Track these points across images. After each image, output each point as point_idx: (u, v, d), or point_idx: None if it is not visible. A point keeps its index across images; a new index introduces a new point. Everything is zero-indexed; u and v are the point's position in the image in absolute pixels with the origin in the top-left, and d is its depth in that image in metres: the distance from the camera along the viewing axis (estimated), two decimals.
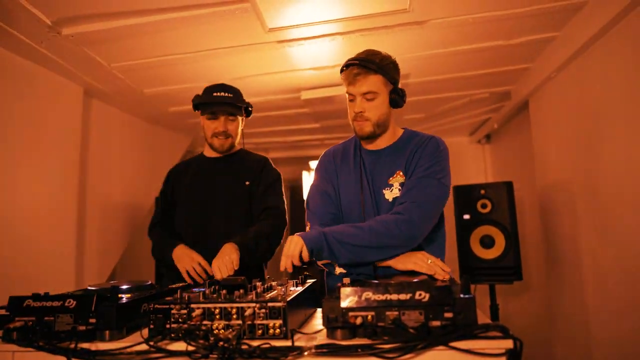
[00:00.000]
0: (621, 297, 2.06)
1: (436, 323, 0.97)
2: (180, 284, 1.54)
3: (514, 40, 2.36)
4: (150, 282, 1.50)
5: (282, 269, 1.32)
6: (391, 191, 1.49)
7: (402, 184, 1.47)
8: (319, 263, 1.48)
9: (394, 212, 1.40)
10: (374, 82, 1.44)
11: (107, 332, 1.12)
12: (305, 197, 3.25)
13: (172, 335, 1.08)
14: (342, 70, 1.50)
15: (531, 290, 3.39)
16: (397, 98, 1.50)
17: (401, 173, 1.49)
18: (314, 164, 3.28)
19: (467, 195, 2.79)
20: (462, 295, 0.98)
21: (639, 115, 1.85)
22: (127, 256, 3.31)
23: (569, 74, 2.46)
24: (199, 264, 1.74)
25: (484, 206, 2.77)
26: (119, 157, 3.12)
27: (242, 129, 1.98)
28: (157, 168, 3.60)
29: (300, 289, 1.28)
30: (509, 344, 0.94)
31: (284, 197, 1.99)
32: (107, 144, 2.99)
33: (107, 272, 2.97)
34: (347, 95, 1.50)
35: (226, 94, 1.85)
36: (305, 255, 1.33)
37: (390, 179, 1.50)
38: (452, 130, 4.32)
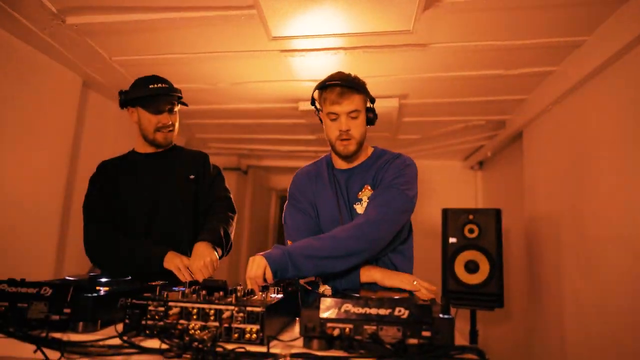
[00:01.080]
0: (601, 334, 2.07)
1: (413, 341, 0.97)
2: (161, 282, 1.52)
3: (513, 71, 2.41)
4: (130, 277, 1.48)
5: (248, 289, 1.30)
6: (362, 205, 1.52)
7: (369, 198, 1.50)
8: (302, 282, 1.47)
9: (355, 219, 1.43)
10: (358, 101, 1.47)
11: (81, 323, 1.10)
12: None
13: (147, 332, 1.07)
14: (321, 89, 1.50)
15: (511, 318, 3.40)
16: (372, 116, 1.54)
17: (369, 187, 1.53)
18: None
19: (455, 219, 2.80)
20: (441, 315, 0.98)
21: (629, 155, 1.89)
22: None
23: (564, 109, 2.51)
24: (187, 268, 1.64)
25: (471, 231, 2.78)
26: (112, 151, 3.09)
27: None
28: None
29: (281, 296, 1.28)
30: None
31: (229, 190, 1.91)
32: (100, 137, 2.98)
33: (88, 265, 2.92)
34: (327, 115, 1.49)
35: (164, 85, 1.73)
36: (269, 277, 1.30)
37: (360, 193, 1.54)
38: (447, 154, 4.36)
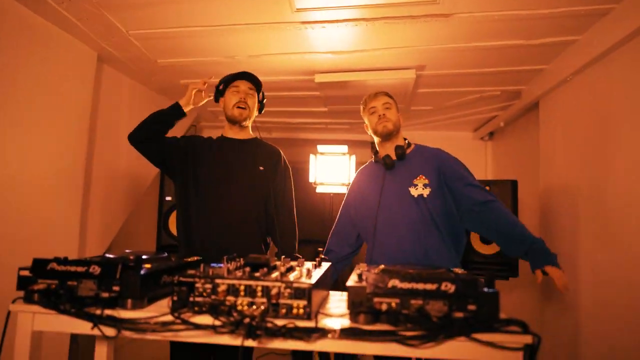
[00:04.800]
0: (616, 305, 2.11)
1: (459, 314, 1.00)
2: (195, 258, 1.56)
3: (534, 40, 2.36)
4: (166, 254, 1.51)
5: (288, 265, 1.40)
6: (416, 189, 1.86)
7: (425, 185, 1.86)
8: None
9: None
10: (387, 99, 2.05)
11: (130, 300, 1.14)
12: (311, 179, 3.26)
13: (196, 308, 1.10)
14: (364, 102, 2.07)
15: (526, 287, 3.47)
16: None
17: (424, 177, 1.88)
18: (322, 147, 3.28)
19: None
20: (486, 289, 1.01)
21: None
22: (126, 228, 3.31)
23: (586, 79, 2.47)
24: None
25: None
26: (126, 126, 3.09)
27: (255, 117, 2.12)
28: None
29: (319, 270, 1.31)
30: (527, 339, 0.97)
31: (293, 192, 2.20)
32: (115, 112, 2.96)
33: (107, 242, 2.97)
34: (369, 113, 2.03)
35: (246, 75, 2.05)
36: None
37: (415, 180, 1.89)
38: (457, 125, 4.34)
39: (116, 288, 1.14)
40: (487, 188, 2.78)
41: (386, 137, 1.95)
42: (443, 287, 1.00)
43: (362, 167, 2.14)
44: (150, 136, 1.95)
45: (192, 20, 2.18)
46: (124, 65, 2.80)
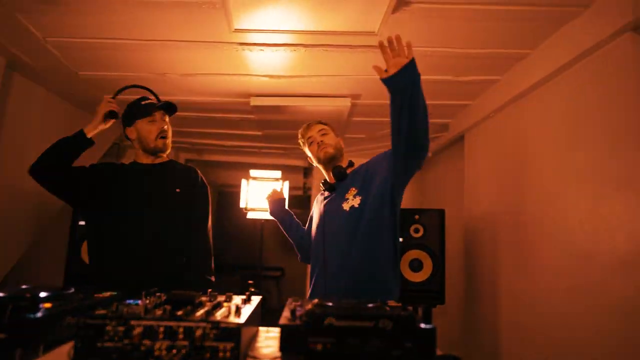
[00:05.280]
0: (532, 328, 2.22)
1: (396, 352, 0.96)
2: (108, 294, 1.38)
3: (462, 77, 2.50)
4: (73, 290, 1.33)
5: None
6: (347, 203, 1.85)
7: (354, 195, 1.85)
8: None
9: None
10: (322, 126, 2.04)
11: (20, 350, 0.96)
12: (241, 204, 3.14)
13: (105, 355, 0.95)
14: (301, 135, 2.07)
15: (449, 314, 3.57)
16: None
17: (354, 189, 1.87)
18: (254, 172, 3.18)
19: (402, 219, 2.87)
20: (423, 326, 0.98)
21: (563, 164, 2.04)
22: (28, 256, 2.94)
23: (506, 116, 2.66)
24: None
25: (416, 231, 2.87)
26: (38, 140, 2.77)
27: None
28: (80, 158, 3.28)
29: (249, 306, 1.21)
30: None
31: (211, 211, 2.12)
32: (26, 125, 2.65)
33: (2, 272, 2.61)
34: (309, 144, 2.03)
35: (155, 101, 1.96)
36: None
37: (346, 195, 1.88)
38: None
39: (1, 336, 0.96)
40: (417, 217, 2.87)
41: (329, 162, 1.95)
42: (381, 325, 0.96)
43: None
44: (51, 168, 1.79)
45: (119, 32, 2.03)
46: (39, 75, 2.54)
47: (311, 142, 1.98)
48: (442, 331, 3.44)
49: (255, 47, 2.11)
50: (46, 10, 1.85)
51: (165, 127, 1.93)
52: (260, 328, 1.38)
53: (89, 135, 1.83)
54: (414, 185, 4.75)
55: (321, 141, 1.94)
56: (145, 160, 1.96)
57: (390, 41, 1.51)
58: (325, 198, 1.97)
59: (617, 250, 1.68)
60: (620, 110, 1.70)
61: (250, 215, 3.16)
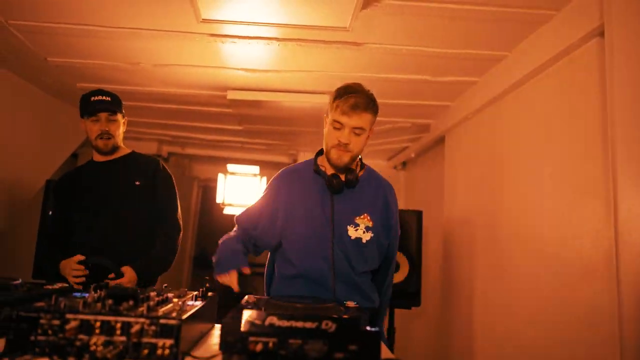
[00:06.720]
0: (504, 330, 2.22)
1: (339, 355, 0.93)
2: (59, 285, 1.35)
3: (439, 77, 2.49)
4: (20, 281, 1.29)
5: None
6: (355, 230, 1.56)
7: (367, 227, 1.56)
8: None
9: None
10: (366, 119, 1.50)
11: None
12: (218, 199, 3.10)
13: (37, 349, 0.92)
14: (338, 96, 1.50)
15: (426, 316, 3.57)
16: (369, 136, 1.57)
17: (368, 217, 1.58)
18: (232, 167, 3.14)
19: None
20: (368, 328, 0.96)
21: (538, 167, 2.03)
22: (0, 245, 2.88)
23: (483, 118, 2.65)
24: (77, 263, 1.78)
25: None
26: (9, 128, 2.72)
27: (124, 131, 2.03)
28: (55, 147, 3.21)
29: (199, 303, 1.18)
30: None
31: (178, 199, 2.07)
32: None
33: None
34: (332, 122, 1.51)
35: (104, 97, 1.92)
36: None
37: (357, 218, 1.57)
38: (371, 154, 4.45)
39: None
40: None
41: (338, 169, 1.57)
42: (323, 326, 0.93)
43: (289, 170, 1.70)
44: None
45: (85, 18, 1.97)
46: (6, 60, 2.47)
47: (337, 128, 1.49)
48: (418, 333, 3.45)
49: (226, 38, 2.07)
50: None
51: (108, 127, 1.91)
52: (217, 325, 1.34)
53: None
54: (395, 185, 4.74)
55: (346, 143, 1.49)
56: (101, 157, 1.98)
57: None
58: (327, 194, 1.59)
59: (583, 257, 1.68)
60: (588, 115, 1.70)
61: (227, 210, 3.13)
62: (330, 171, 1.59)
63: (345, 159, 1.52)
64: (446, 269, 3.13)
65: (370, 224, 1.56)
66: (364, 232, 1.55)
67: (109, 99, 1.93)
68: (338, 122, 1.48)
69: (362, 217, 1.57)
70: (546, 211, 1.94)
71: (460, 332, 2.76)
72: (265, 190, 1.69)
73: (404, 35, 2.02)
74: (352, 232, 1.55)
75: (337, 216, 1.56)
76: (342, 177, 1.57)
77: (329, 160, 1.56)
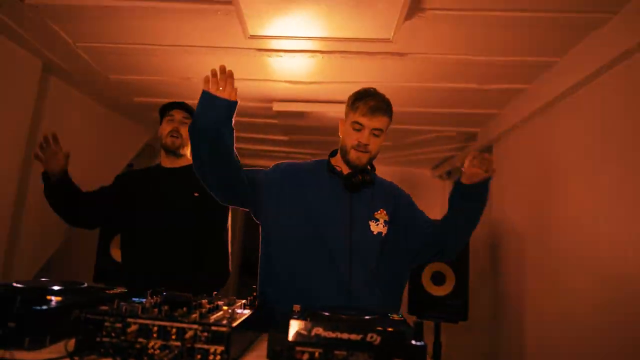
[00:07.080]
0: (557, 345, 2.12)
1: None
2: (119, 290, 1.44)
3: (486, 85, 2.43)
4: (85, 284, 1.39)
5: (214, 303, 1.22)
6: (377, 225, 1.61)
7: (385, 222, 1.63)
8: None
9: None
10: (385, 121, 1.58)
11: (27, 339, 1.01)
12: None
13: (102, 350, 0.99)
14: (358, 99, 1.58)
15: (474, 331, 3.46)
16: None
17: (385, 212, 1.64)
18: None
19: None
20: (414, 342, 0.96)
21: (595, 177, 1.94)
22: (63, 251, 3.08)
23: (534, 126, 2.56)
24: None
25: None
26: (72, 141, 2.90)
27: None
28: (112, 158, 3.40)
29: (247, 311, 1.22)
30: None
31: (230, 212, 2.09)
32: (60, 126, 2.78)
33: (39, 265, 2.74)
34: (352, 123, 1.57)
35: (180, 105, 2.09)
36: None
37: (377, 213, 1.63)
38: (416, 162, 4.40)
39: (12, 324, 1.01)
40: None
41: (357, 169, 1.62)
42: (368, 339, 0.94)
43: (295, 164, 1.72)
44: (59, 211, 1.98)
45: (143, 38, 2.11)
46: (72, 78, 2.67)
47: (357, 129, 1.55)
48: (466, 349, 3.36)
49: (273, 53, 2.15)
50: (73, 17, 1.95)
51: (177, 126, 2.03)
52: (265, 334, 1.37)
53: (53, 180, 1.93)
54: (439, 195, 4.65)
55: (365, 144, 1.55)
56: (168, 163, 2.08)
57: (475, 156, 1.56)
58: (343, 193, 1.63)
59: None
60: None
61: None
62: (346, 171, 1.65)
63: (364, 159, 1.59)
64: (495, 281, 3.03)
65: (387, 218, 1.64)
66: (383, 226, 1.62)
67: (182, 105, 2.09)
68: (359, 123, 1.55)
69: (379, 212, 1.64)
70: (604, 224, 1.85)
71: (511, 349, 2.65)
72: (265, 171, 1.70)
73: (448, 44, 2.00)
74: (374, 227, 1.61)
75: (358, 213, 1.61)
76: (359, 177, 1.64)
77: (347, 161, 1.61)
